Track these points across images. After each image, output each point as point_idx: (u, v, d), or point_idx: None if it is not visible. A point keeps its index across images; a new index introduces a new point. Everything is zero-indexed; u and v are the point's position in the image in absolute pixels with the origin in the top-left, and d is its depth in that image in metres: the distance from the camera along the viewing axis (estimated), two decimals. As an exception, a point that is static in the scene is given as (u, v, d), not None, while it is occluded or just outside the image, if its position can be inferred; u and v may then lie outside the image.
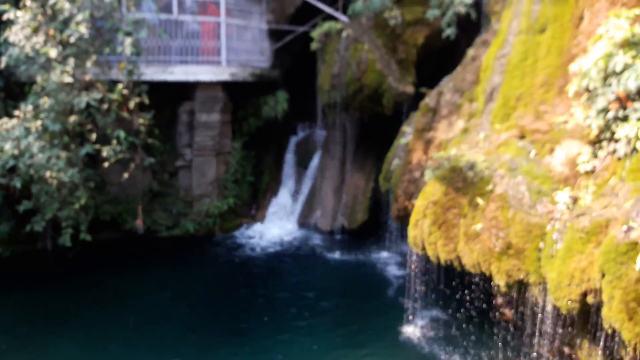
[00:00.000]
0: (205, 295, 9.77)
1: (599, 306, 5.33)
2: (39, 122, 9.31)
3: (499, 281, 6.38)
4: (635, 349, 4.89)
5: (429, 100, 9.59)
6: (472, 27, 10.83)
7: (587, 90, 6.48)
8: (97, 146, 9.95)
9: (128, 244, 11.81)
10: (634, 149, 5.86)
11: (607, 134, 6.25)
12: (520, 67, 7.91)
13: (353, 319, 8.80)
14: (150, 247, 11.85)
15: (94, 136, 9.95)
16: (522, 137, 7.27)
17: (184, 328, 8.40)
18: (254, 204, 14.31)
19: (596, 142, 6.44)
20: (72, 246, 9.85)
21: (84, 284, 9.86)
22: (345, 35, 11.31)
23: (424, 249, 7.41)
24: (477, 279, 7.65)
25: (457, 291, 8.49)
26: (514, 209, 6.25)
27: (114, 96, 9.97)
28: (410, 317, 8.62)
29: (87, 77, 9.99)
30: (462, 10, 10.69)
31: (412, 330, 8.29)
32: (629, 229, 5.08)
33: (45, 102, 9.36)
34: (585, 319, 5.90)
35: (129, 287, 9.92)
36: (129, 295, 9.59)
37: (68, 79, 9.41)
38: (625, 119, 6.01)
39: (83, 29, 9.53)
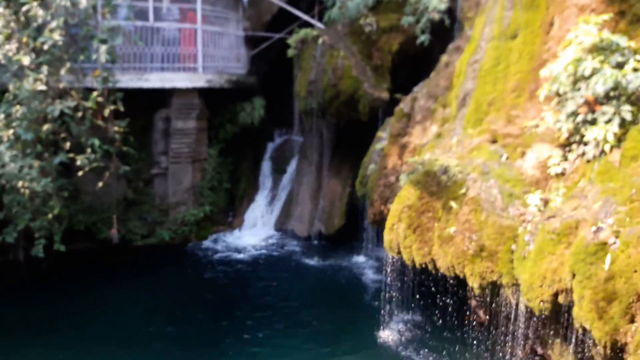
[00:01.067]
0: (182, 304, 9.67)
1: (570, 306, 5.43)
2: (11, 131, 9.15)
3: (473, 283, 6.46)
4: (605, 347, 4.99)
5: (404, 105, 9.70)
6: (445, 33, 11.00)
7: (558, 94, 6.63)
8: (71, 155, 9.82)
9: (103, 253, 11.63)
10: (602, 152, 6.01)
11: (577, 137, 6.39)
12: (493, 73, 8.05)
13: (330, 324, 8.81)
14: (125, 256, 11.70)
15: (67, 145, 9.82)
16: (494, 141, 7.39)
17: (160, 338, 8.30)
18: (230, 211, 14.25)
19: (566, 145, 6.58)
20: (46, 257, 9.68)
21: (58, 296, 9.68)
22: (321, 42, 11.38)
23: (399, 252, 7.47)
24: (452, 282, 7.73)
25: (433, 294, 8.57)
26: (487, 212, 6.35)
27: (89, 104, 9.87)
28: (387, 321, 8.66)
29: (61, 85, 9.86)
30: (436, 17, 10.87)
31: (388, 334, 8.33)
32: (598, 229, 5.20)
33: (18, 110, 9.20)
34: (557, 318, 6.00)
35: (104, 297, 9.77)
36: (104, 306, 9.44)
37: (41, 87, 9.28)
38: (593, 122, 6.16)
39: (57, 36, 9.42)
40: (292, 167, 14.34)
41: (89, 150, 9.93)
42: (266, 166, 14.84)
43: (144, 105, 12.19)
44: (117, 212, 11.50)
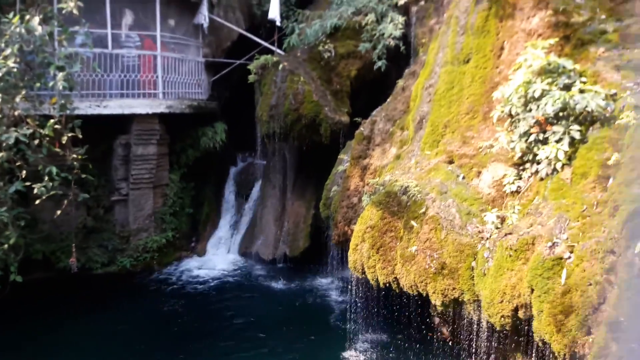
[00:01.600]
0: (143, 333, 9.46)
1: (529, 320, 5.58)
2: (-36, 159, 8.92)
3: (436, 301, 6.58)
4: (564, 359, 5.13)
5: (364, 129, 9.89)
6: (401, 59, 11.33)
7: (510, 115, 6.88)
8: (28, 183, 9.58)
9: (61, 283, 11.31)
10: (555, 170, 6.25)
11: (530, 156, 6.63)
12: (447, 96, 8.31)
13: (295, 346, 8.79)
14: (84, 285, 11.40)
15: (24, 173, 9.58)
16: (450, 161, 7.60)
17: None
18: (193, 236, 14.10)
19: (520, 164, 6.82)
20: (1, 288, 9.36)
21: (11, 330, 9.34)
22: (282, 67, 11.54)
23: (364, 272, 7.55)
24: (415, 300, 7.84)
25: (397, 313, 8.66)
26: (446, 230, 6.51)
27: (46, 131, 9.67)
28: (352, 341, 8.69)
29: (16, 112, 9.66)
30: (391, 43, 11.20)
31: (353, 354, 8.35)
32: (553, 245, 5.39)
33: (-29, 138, 8.98)
34: (518, 333, 6.16)
35: (61, 329, 9.49)
36: (61, 337, 9.16)
37: (-5, 114, 9.10)
38: (545, 141, 6.41)
39: (12, 64, 9.26)
40: (255, 190, 14.34)
41: (46, 178, 9.70)
42: (229, 190, 14.80)
43: (104, 132, 12.04)
44: (76, 240, 11.22)
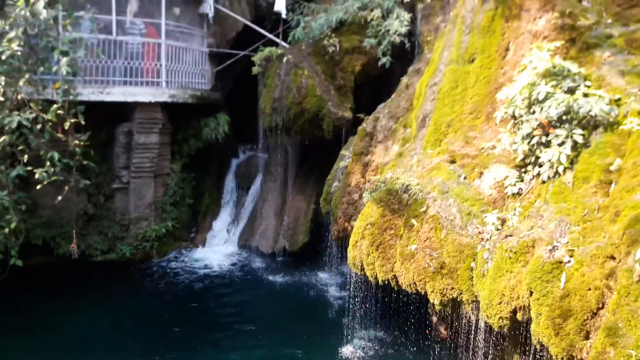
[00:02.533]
0: (141, 322, 9.51)
1: (527, 323, 5.58)
2: (-34, 142, 8.92)
3: (434, 300, 6.60)
4: (562, 363, 5.15)
5: (366, 125, 9.89)
6: (406, 56, 11.30)
7: (513, 117, 6.88)
8: (30, 168, 9.60)
9: (61, 268, 11.35)
10: (557, 173, 6.25)
11: (532, 159, 6.63)
12: (451, 95, 8.31)
13: (293, 341, 8.82)
14: (84, 272, 11.44)
15: (26, 157, 9.60)
16: (452, 161, 7.60)
17: (116, 357, 8.15)
18: (193, 227, 14.12)
19: (522, 166, 6.82)
20: (1, 272, 9.40)
21: (11, 314, 9.38)
22: (286, 60, 11.51)
23: (363, 269, 7.57)
24: (414, 298, 7.87)
25: (396, 310, 8.70)
26: (446, 230, 6.52)
27: (49, 116, 9.68)
28: (350, 337, 8.73)
29: (20, 96, 9.66)
30: (397, 39, 11.17)
31: (351, 350, 8.40)
32: (554, 248, 5.39)
33: (-27, 121, 8.98)
34: (516, 335, 6.18)
35: (59, 314, 9.53)
36: (59, 322, 9.21)
37: (-1, 98, 9.09)
38: (548, 144, 6.41)
39: (15, 47, 9.24)
40: (256, 183, 14.34)
41: (48, 163, 9.72)
42: (230, 182, 14.80)
43: (106, 119, 12.04)
44: (76, 227, 11.25)
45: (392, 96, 10.31)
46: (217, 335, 9.00)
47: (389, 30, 11.33)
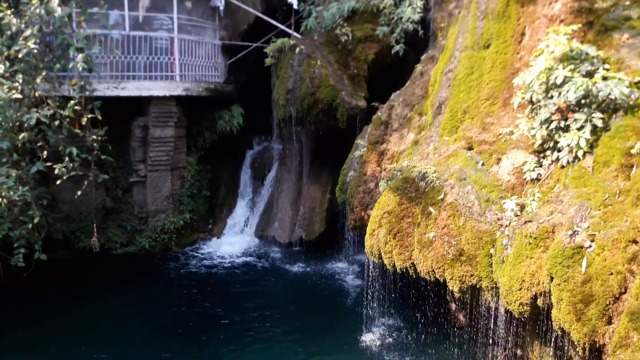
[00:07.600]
0: (163, 312, 9.63)
1: (548, 308, 5.57)
2: (-14, 140, 9.04)
3: (453, 287, 6.60)
4: (584, 349, 5.11)
5: (381, 114, 9.87)
6: (420, 43, 11.24)
7: (531, 102, 6.84)
8: (49, 163, 9.73)
9: (82, 262, 11.54)
10: (576, 157, 6.21)
11: (551, 144, 6.60)
12: (467, 82, 8.26)
13: (312, 329, 8.89)
14: (104, 265, 11.61)
15: (45, 153, 9.73)
16: (469, 148, 7.57)
17: (141, 348, 8.27)
18: (210, 218, 14.24)
19: (540, 152, 6.79)
20: (25, 266, 9.56)
21: (36, 307, 9.57)
22: (299, 51, 11.50)
23: (380, 257, 7.59)
24: (432, 286, 7.88)
25: (414, 298, 8.71)
26: (465, 217, 6.51)
27: (66, 112, 9.79)
28: (369, 325, 8.78)
29: (37, 93, 9.78)
30: (410, 27, 11.10)
31: (370, 338, 8.44)
32: (574, 233, 5.36)
33: (-7, 119, 9.10)
34: (536, 321, 6.17)
35: (83, 306, 9.69)
36: (84, 315, 9.36)
37: (17, 95, 9.20)
38: (566, 129, 6.37)
39: (32, 45, 9.34)
40: (271, 174, 14.40)
41: (66, 158, 9.85)
42: (246, 173, 14.87)
43: (122, 114, 12.14)
44: (95, 221, 11.40)
45: (407, 84, 10.27)
46: (236, 325, 9.08)
47: (401, 18, 11.26)
